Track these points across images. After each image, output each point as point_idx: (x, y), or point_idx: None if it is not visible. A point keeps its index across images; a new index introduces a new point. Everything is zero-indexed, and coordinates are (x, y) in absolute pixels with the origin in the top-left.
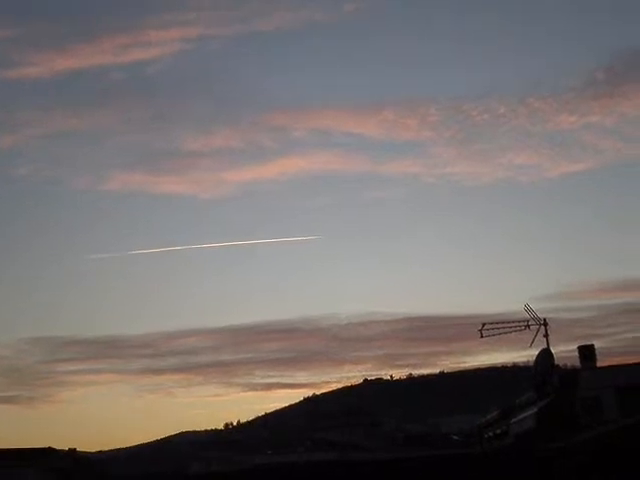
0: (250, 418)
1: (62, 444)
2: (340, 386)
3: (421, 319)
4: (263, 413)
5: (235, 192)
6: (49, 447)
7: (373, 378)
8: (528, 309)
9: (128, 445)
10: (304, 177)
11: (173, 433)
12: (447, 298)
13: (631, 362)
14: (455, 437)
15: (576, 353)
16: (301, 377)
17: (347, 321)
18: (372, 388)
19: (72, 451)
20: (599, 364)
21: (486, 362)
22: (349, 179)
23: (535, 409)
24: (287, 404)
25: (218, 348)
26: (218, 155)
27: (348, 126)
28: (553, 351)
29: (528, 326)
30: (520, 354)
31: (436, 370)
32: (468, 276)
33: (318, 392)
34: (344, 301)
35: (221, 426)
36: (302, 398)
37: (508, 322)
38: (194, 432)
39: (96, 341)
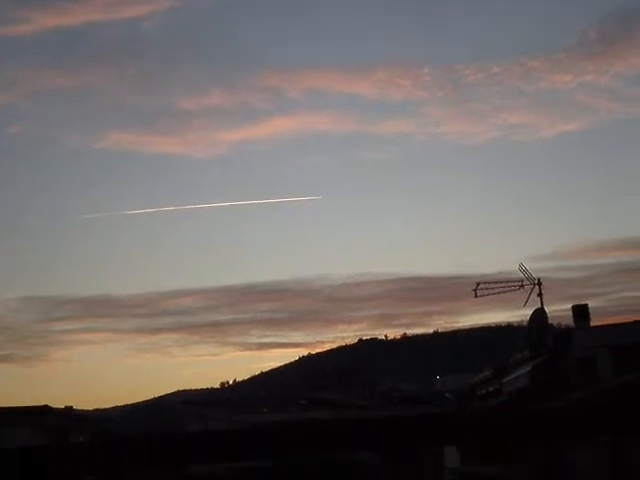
0: (246, 377)
1: (58, 402)
2: (335, 346)
3: (415, 279)
4: (259, 372)
5: (228, 152)
6: (45, 405)
7: (368, 338)
8: (522, 269)
9: (124, 403)
10: (297, 137)
11: (169, 392)
12: (441, 258)
13: (626, 321)
14: (448, 395)
15: (570, 313)
16: (296, 337)
17: (341, 282)
18: (367, 348)
19: (68, 409)
20: (593, 324)
21: (480, 322)
22: (342, 139)
23: (529, 368)
24: (282, 363)
25: (213, 308)
26: (211, 115)
27: (341, 87)
28: (547, 310)
29: (522, 286)
30: (514, 314)
31: (430, 330)
32: (462, 236)
33: (313, 352)
34: (337, 262)
35: (217, 385)
36: (297, 357)
37: (502, 282)
38: (190, 391)
39: (91, 300)
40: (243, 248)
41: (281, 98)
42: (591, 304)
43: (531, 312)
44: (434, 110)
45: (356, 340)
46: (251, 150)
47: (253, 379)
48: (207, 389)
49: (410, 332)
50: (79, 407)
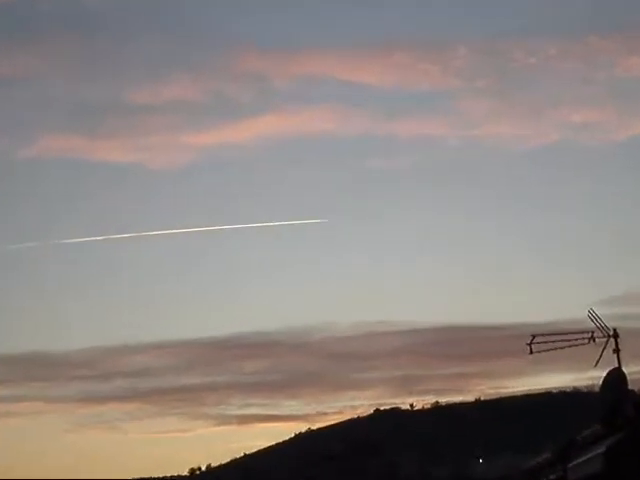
0: (224, 461)
1: None
2: (343, 418)
3: (449, 330)
4: (241, 454)
5: (196, 161)
6: None
7: (386, 408)
8: (593, 316)
9: None
10: (288, 142)
11: None
12: (482, 301)
13: None
14: None
15: None
16: (291, 407)
17: (350, 332)
18: (385, 420)
19: None
20: None
21: (536, 387)
22: (348, 144)
23: (603, 448)
24: (273, 442)
25: (180, 368)
26: (174, 111)
27: (347, 73)
28: (626, 372)
29: (593, 339)
30: (582, 376)
31: (469, 397)
32: (510, 273)
33: (314, 427)
34: (345, 306)
35: (185, 472)
36: (293, 434)
37: (565, 333)
38: None
39: (18, 359)
40: (219, 288)
41: (266, 89)
42: None
43: (605, 374)
44: (471, 105)
45: (371, 410)
46: (227, 159)
47: (233, 464)
48: (173, 477)
49: (443, 400)
50: None
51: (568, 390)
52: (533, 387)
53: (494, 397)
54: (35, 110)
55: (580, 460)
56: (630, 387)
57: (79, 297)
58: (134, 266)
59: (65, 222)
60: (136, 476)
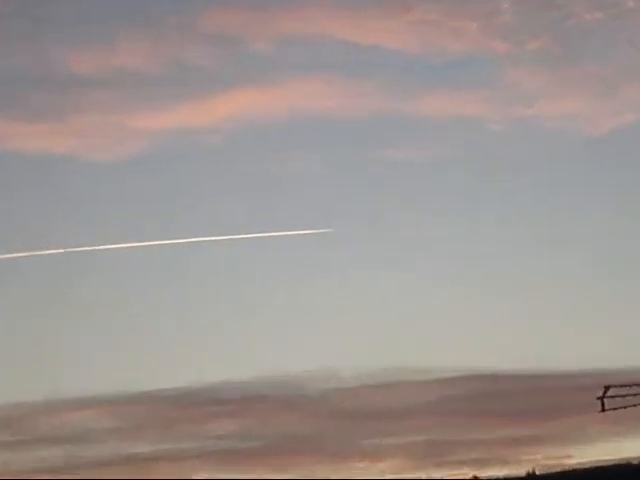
0: None
1: None
2: None
3: (491, 379)
4: None
5: (152, 150)
6: None
7: None
8: None
9: None
10: (271, 123)
11: None
12: (537, 341)
13: None
14: None
15: None
16: None
17: (356, 382)
18: None
19: None
20: None
21: (611, 455)
22: (354, 127)
23: None
24: None
25: (127, 431)
26: (121, 86)
27: (352, 34)
28: None
29: None
30: None
31: (520, 470)
32: (575, 303)
33: None
34: (349, 347)
35: None
36: None
37: None
38: None
39: None
40: (178, 322)
41: (242, 56)
42: None
43: None
44: (521, 75)
45: None
46: (193, 146)
47: None
48: None
49: (483, 474)
50: None
51: None
52: (606, 456)
53: (553, 470)
54: None
55: None
56: None
57: None
58: (64, 292)
59: None
60: None
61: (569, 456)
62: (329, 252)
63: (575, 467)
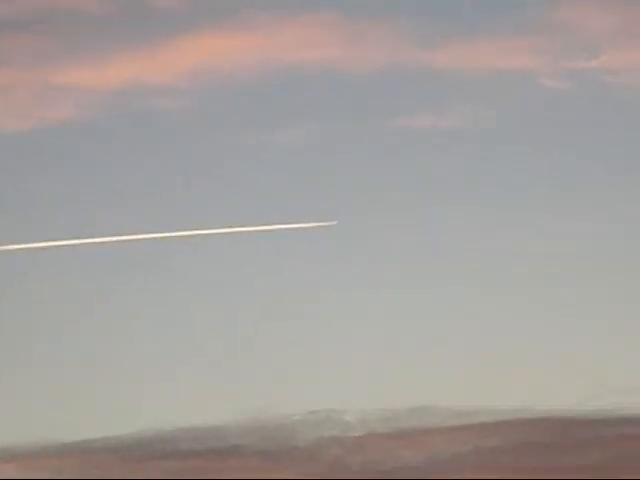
0: None
1: None
2: None
3: (544, 423)
4: None
5: (85, 116)
6: None
7: None
8: None
9: None
10: (254, 83)
11: None
12: (605, 374)
13: None
14: None
15: None
16: None
17: (362, 429)
18: None
19: None
20: None
21: None
22: (359, 85)
23: None
24: None
25: None
26: (50, 31)
27: None
28: None
29: None
30: None
31: None
32: None
33: None
34: (358, 383)
35: None
36: None
37: None
38: None
39: None
40: (126, 347)
41: None
42: None
43: None
44: (580, 20)
45: None
46: (142, 112)
47: None
48: None
49: None
50: None
51: None
52: None
53: None
54: None
55: None
56: None
57: None
58: None
59: None
60: None
61: None
62: (329, 249)
63: None
